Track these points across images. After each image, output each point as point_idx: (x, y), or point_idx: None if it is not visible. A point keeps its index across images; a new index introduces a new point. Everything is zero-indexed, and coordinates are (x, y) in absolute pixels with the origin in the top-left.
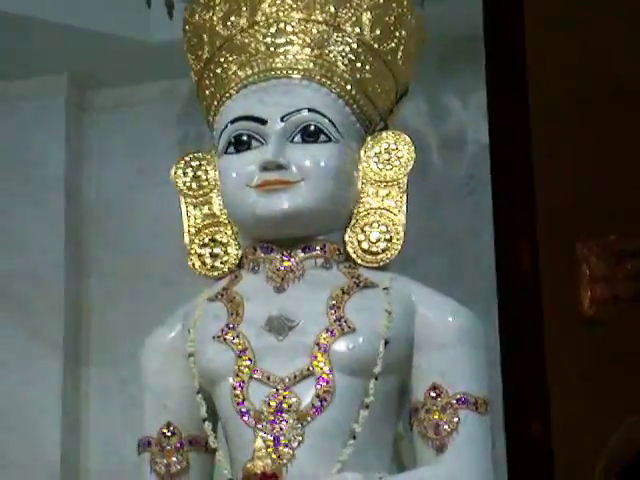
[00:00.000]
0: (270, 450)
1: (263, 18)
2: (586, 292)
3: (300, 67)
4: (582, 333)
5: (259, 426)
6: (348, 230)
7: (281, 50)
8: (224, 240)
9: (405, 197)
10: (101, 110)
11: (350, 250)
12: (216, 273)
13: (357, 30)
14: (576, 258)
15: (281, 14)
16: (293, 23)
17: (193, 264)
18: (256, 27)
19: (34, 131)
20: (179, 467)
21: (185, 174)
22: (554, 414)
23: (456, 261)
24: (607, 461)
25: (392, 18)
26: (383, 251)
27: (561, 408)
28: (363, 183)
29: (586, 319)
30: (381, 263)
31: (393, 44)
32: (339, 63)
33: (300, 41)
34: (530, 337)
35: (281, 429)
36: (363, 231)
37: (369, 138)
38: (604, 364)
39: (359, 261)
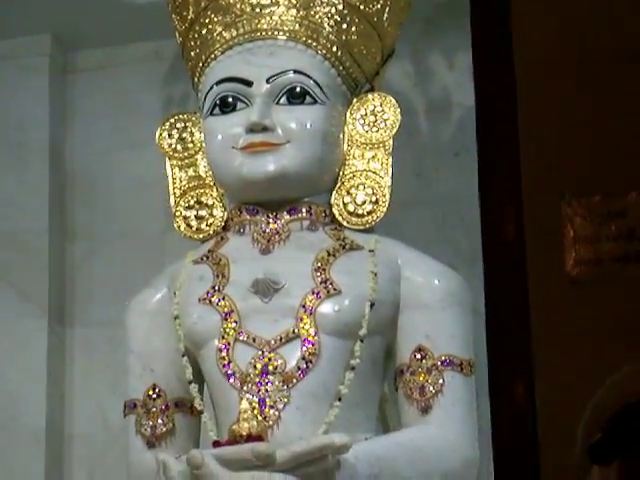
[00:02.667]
0: (256, 412)
1: None
2: (570, 253)
3: (285, 28)
4: (566, 293)
5: (245, 388)
6: (334, 192)
7: (266, 11)
8: (209, 202)
9: (391, 159)
10: (85, 71)
11: (336, 212)
12: (201, 235)
13: None
14: (560, 219)
15: None
16: None
17: (179, 226)
18: None
19: (16, 92)
20: (164, 429)
21: (170, 136)
22: (538, 375)
23: (442, 223)
24: (591, 416)
25: None
26: (369, 213)
27: (545, 369)
28: (349, 145)
29: (570, 279)
30: (367, 225)
31: (379, 5)
32: (325, 24)
33: (286, 2)
34: (515, 298)
35: (267, 391)
36: (349, 193)
37: (355, 100)
38: (588, 324)
39: (345, 223)
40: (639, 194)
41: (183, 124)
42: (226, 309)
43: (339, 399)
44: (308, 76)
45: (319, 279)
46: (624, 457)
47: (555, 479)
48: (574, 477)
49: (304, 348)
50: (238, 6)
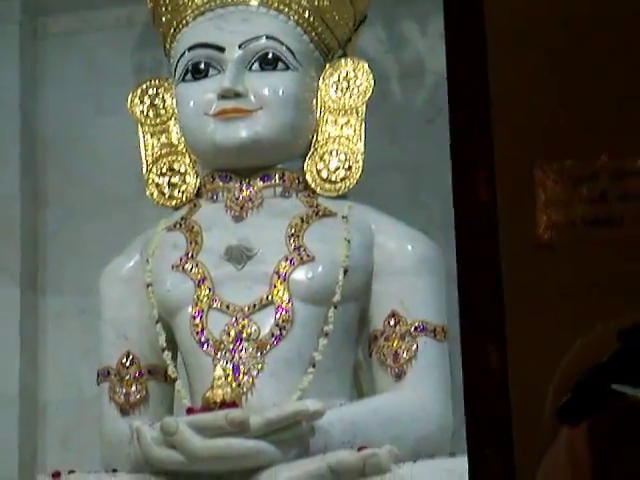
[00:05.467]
0: (229, 379)
1: None
2: (542, 217)
3: None
4: (538, 257)
5: (218, 355)
6: (307, 159)
7: None
8: (182, 169)
9: (364, 125)
10: (56, 36)
11: (309, 179)
12: (174, 202)
13: None
14: (532, 183)
15: None
16: None
17: (151, 193)
18: None
19: None
20: (138, 396)
21: (142, 102)
22: (510, 339)
23: (415, 189)
24: (561, 377)
25: None
26: (342, 180)
27: (517, 332)
28: (322, 111)
29: (542, 243)
30: (340, 192)
31: None
32: None
33: None
34: (487, 263)
35: (240, 358)
36: (322, 160)
37: (328, 66)
38: (560, 288)
39: (318, 190)
40: (610, 157)
41: (155, 90)
42: (199, 276)
43: (313, 365)
44: (280, 42)
45: (292, 246)
46: (592, 417)
47: (527, 441)
48: (545, 438)
49: (278, 315)
50: None
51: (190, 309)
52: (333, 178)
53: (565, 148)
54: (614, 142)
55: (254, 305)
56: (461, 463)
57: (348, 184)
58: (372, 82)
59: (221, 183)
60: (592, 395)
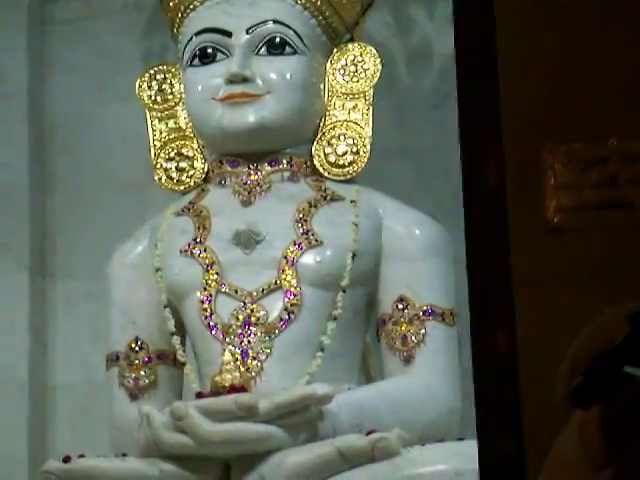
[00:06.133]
0: (238, 363)
1: None
2: (551, 200)
3: None
4: (547, 241)
5: (227, 340)
6: (315, 143)
7: None
8: (190, 154)
9: (371, 110)
10: (63, 23)
11: (317, 163)
12: (182, 187)
13: None
14: (541, 167)
15: None
16: None
17: (159, 178)
18: None
19: None
20: (147, 381)
21: (150, 87)
22: (520, 323)
23: (423, 173)
24: (572, 360)
25: None
26: (350, 164)
27: (527, 316)
28: (329, 96)
29: (551, 227)
30: (348, 176)
31: None
32: None
33: None
34: (496, 247)
35: (249, 342)
36: (330, 144)
37: (335, 50)
38: (569, 271)
39: (326, 174)
40: (620, 140)
41: (163, 75)
42: (207, 261)
43: (321, 349)
44: (288, 26)
45: (300, 230)
46: (604, 401)
47: (537, 425)
48: (556, 422)
49: (286, 299)
50: None
51: (198, 294)
52: (341, 162)
53: (575, 131)
54: (624, 125)
55: (262, 290)
56: (470, 446)
57: (356, 168)
58: (379, 66)
59: (229, 168)
60: (604, 378)
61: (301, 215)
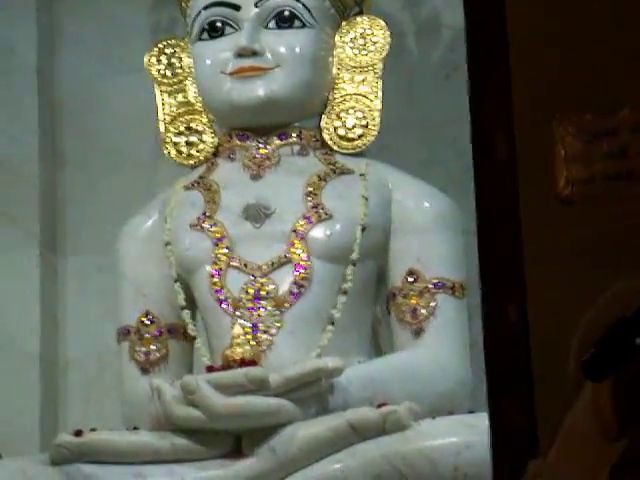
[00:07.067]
0: (249, 337)
1: None
2: (562, 172)
3: None
4: (558, 213)
5: (237, 313)
6: (324, 116)
7: None
8: (199, 128)
9: (381, 83)
10: None
11: (326, 137)
12: (192, 161)
13: None
14: (552, 139)
15: None
16: None
17: (169, 152)
18: None
19: (3, 19)
20: (158, 355)
21: (159, 62)
22: (530, 295)
23: (432, 146)
24: (584, 332)
25: None
26: (359, 137)
27: (537, 288)
28: (338, 69)
29: (562, 199)
30: (357, 149)
31: None
32: None
33: None
34: (506, 219)
35: (259, 316)
36: (339, 117)
37: (344, 23)
38: (579, 243)
39: (335, 147)
40: (631, 111)
41: (172, 49)
42: (217, 235)
43: (332, 323)
44: None
45: (310, 204)
46: (617, 372)
47: (549, 397)
48: (568, 394)
49: (296, 273)
50: None
51: (208, 268)
52: (350, 135)
53: (585, 102)
54: (635, 95)
55: (272, 263)
56: (482, 419)
57: (365, 141)
58: (389, 39)
59: (238, 142)
60: (617, 349)
61: (311, 189)
